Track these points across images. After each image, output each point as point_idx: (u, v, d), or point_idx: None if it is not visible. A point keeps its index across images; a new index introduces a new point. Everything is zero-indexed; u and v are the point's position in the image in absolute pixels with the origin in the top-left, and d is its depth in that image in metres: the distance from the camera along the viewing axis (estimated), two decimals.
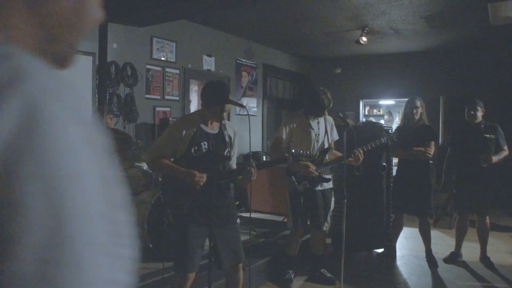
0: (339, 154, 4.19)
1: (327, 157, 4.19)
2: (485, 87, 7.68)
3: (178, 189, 2.99)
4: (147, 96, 5.76)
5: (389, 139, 4.50)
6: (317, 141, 4.18)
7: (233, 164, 3.26)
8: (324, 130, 4.25)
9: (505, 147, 4.76)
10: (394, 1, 5.33)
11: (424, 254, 5.02)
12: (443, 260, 5.03)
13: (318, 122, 4.23)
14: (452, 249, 5.12)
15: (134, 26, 5.52)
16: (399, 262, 5.08)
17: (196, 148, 2.99)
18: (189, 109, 6.44)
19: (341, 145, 4.00)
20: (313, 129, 4.18)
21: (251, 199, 6.54)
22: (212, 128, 3.11)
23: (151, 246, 4.23)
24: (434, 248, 5.07)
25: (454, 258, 5.05)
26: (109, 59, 5.31)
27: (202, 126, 3.06)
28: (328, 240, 5.10)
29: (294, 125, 4.18)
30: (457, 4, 5.49)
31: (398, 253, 5.24)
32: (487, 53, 7.92)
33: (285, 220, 5.63)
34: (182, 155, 3.00)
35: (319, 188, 4.17)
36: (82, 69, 5.21)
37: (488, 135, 4.76)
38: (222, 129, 3.12)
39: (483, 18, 5.79)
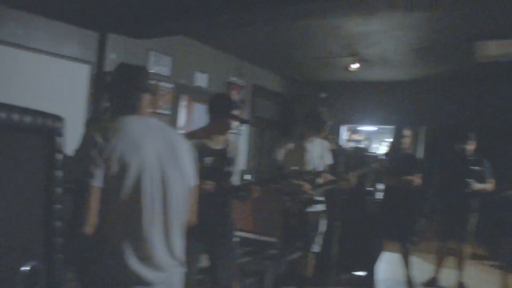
0: (331, 177, 4.29)
1: (320, 180, 4.27)
2: (466, 121, 7.97)
3: None
4: None
5: (379, 165, 4.62)
6: (312, 164, 4.24)
7: (234, 181, 3.26)
8: (318, 153, 4.32)
9: (491, 180, 4.97)
10: (389, 32, 5.52)
11: (404, 279, 5.14)
12: (422, 285, 5.18)
13: (313, 145, 4.30)
14: (431, 274, 5.27)
15: (134, 38, 5.55)
16: (379, 285, 5.18)
17: (199, 165, 2.92)
18: (178, 124, 6.46)
19: (334, 169, 4.11)
20: (308, 151, 4.24)
21: (234, 217, 6.58)
22: (216, 144, 3.09)
23: None
24: (414, 273, 5.18)
25: (433, 283, 5.21)
26: (106, 69, 5.32)
27: (206, 141, 3.04)
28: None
29: (290, 146, 4.23)
30: (447, 40, 5.75)
31: (378, 277, 5.34)
32: (471, 88, 8.23)
33: (272, 239, 5.66)
34: None
35: (310, 209, 4.22)
36: (78, 77, 5.20)
37: (475, 167, 4.96)
38: (227, 144, 3.12)
39: (469, 54, 6.05)
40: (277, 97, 9.31)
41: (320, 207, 4.29)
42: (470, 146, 5.02)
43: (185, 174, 1.99)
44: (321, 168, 4.28)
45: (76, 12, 5.01)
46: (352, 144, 10.01)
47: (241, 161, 8.04)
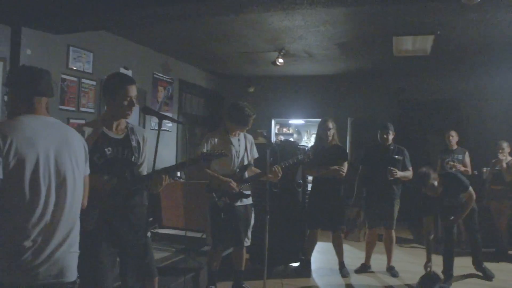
0: (258, 171, 4.33)
1: (246, 173, 4.29)
2: (387, 111, 8.37)
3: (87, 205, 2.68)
4: (61, 107, 5.47)
5: (305, 156, 4.72)
6: (237, 157, 4.25)
7: (144, 172, 3.01)
8: (244, 147, 4.33)
9: (410, 168, 5.25)
10: (312, 27, 5.64)
11: (337, 267, 5.32)
12: (354, 271, 5.38)
13: (238, 139, 4.31)
14: (363, 260, 5.48)
15: (51, 32, 5.25)
16: (314, 274, 5.32)
17: (99, 155, 2.73)
18: None
19: (263, 163, 4.15)
20: (233, 145, 4.24)
21: (165, 215, 6.48)
22: (117, 133, 2.85)
23: None
24: (346, 261, 5.38)
25: (364, 269, 5.42)
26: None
27: (105, 130, 2.80)
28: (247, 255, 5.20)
29: (215, 140, 4.20)
30: (367, 35, 5.97)
31: (313, 267, 5.47)
32: (390, 80, 8.66)
33: (204, 236, 5.63)
34: None
35: (239, 204, 4.20)
36: None
37: (396, 156, 5.21)
38: (129, 133, 2.88)
39: (388, 49, 6.34)
40: (205, 92, 9.25)
41: (248, 201, 4.31)
42: (390, 136, 5.27)
43: (78, 165, 2.26)
44: (246, 162, 4.30)
45: None
46: (282, 138, 10.19)
47: (171, 158, 7.91)
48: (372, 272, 5.41)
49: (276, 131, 10.50)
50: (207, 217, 4.35)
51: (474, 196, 4.85)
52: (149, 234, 2.93)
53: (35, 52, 5.16)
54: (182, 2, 4.30)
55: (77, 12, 4.79)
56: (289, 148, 5.53)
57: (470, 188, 4.81)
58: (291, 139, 10.14)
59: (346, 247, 5.70)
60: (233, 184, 4.05)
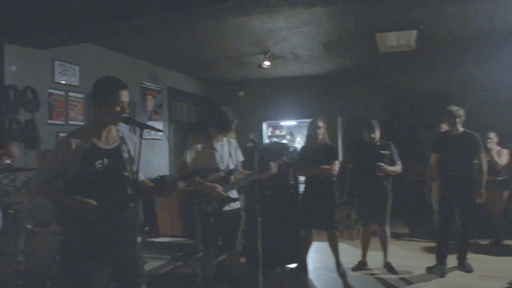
0: (248, 172, 4.32)
1: (232, 177, 4.27)
2: (376, 108, 8.38)
3: (76, 220, 2.50)
4: (49, 121, 5.47)
5: (290, 158, 4.71)
6: (222, 163, 4.23)
7: (141, 178, 2.81)
8: (228, 152, 4.31)
9: (399, 162, 5.25)
10: (295, 28, 5.67)
11: (334, 266, 5.32)
12: (351, 269, 5.37)
13: (222, 144, 4.29)
14: (359, 258, 5.48)
15: (34, 48, 5.25)
16: (311, 275, 5.31)
17: (90, 169, 2.49)
18: None
19: (250, 165, 4.16)
20: (217, 151, 4.22)
21: (161, 223, 6.47)
22: (107, 143, 2.61)
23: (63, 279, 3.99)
24: (343, 259, 5.37)
25: (361, 266, 5.41)
26: (7, 82, 4.99)
27: (95, 140, 2.56)
28: (243, 259, 5.18)
29: (198, 147, 4.19)
30: (351, 33, 6.00)
31: (310, 267, 5.47)
32: (378, 76, 8.69)
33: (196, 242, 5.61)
34: (73, 178, 2.49)
35: (227, 208, 4.17)
36: None
37: (383, 152, 5.21)
38: (121, 143, 2.66)
39: (373, 46, 6.37)
40: (195, 98, 9.26)
41: (236, 205, 4.27)
42: (377, 135, 5.28)
43: None
44: (232, 166, 4.29)
45: None
46: (275, 140, 10.19)
47: (164, 167, 7.90)
48: (369, 269, 5.40)
49: (269, 134, 10.49)
50: (197, 223, 4.32)
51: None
52: (139, 239, 2.73)
53: (20, 68, 5.16)
54: (165, 12, 4.33)
55: (59, 26, 4.80)
56: (278, 149, 5.53)
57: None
58: (284, 141, 10.13)
59: (342, 245, 5.70)
60: (219, 188, 4.03)
